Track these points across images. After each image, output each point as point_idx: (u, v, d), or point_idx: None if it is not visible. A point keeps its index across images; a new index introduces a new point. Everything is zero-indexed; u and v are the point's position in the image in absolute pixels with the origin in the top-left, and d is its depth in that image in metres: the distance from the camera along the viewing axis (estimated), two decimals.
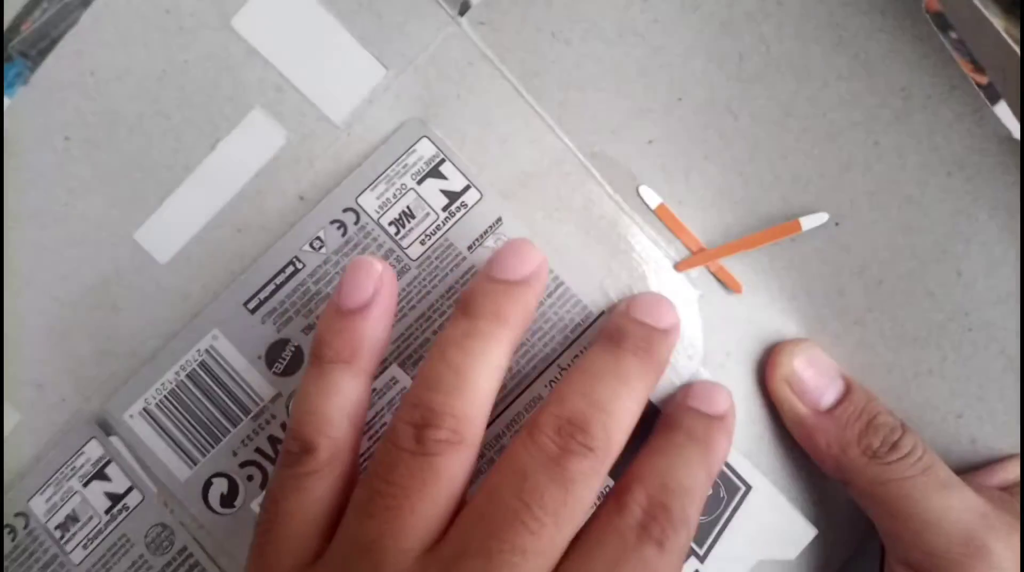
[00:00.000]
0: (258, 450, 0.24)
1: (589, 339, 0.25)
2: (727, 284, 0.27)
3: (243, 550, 0.24)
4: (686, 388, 0.25)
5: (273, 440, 0.24)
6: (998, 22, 0.22)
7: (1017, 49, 0.21)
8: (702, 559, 0.25)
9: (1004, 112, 0.25)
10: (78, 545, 0.24)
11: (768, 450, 0.27)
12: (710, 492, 0.23)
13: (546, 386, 0.25)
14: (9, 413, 0.26)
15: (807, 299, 0.27)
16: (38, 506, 0.25)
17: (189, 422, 0.24)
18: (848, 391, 0.26)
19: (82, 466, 0.25)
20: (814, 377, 0.26)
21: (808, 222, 0.26)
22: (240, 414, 0.24)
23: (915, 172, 0.25)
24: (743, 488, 0.26)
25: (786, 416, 0.26)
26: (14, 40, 0.24)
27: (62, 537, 0.25)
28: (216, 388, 0.24)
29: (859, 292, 0.27)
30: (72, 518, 0.25)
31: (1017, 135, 0.25)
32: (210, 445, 0.24)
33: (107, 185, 0.26)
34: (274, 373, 0.25)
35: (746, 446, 0.26)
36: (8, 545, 0.25)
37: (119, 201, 0.26)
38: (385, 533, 0.20)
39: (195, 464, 0.24)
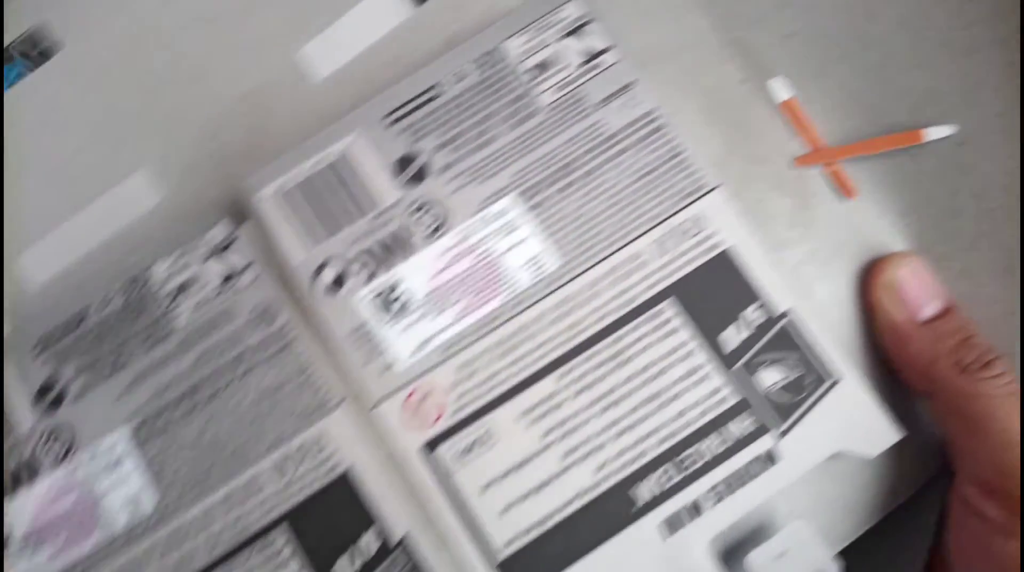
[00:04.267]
0: (370, 247, 0.26)
1: (696, 210, 0.26)
2: (841, 188, 0.27)
3: (336, 334, 0.25)
4: None
5: (382, 243, 0.26)
6: None
7: None
8: (781, 435, 0.25)
9: None
10: (186, 310, 0.26)
11: (859, 353, 0.27)
12: None
13: (653, 243, 0.26)
14: (150, 194, 0.28)
15: (918, 216, 0.27)
16: (158, 271, 0.26)
17: (315, 210, 0.26)
18: (948, 309, 0.26)
19: (205, 245, 0.27)
20: (917, 288, 0.26)
21: (931, 133, 0.26)
22: (362, 211, 0.26)
23: None
24: (831, 377, 0.25)
25: (880, 322, 0.26)
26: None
27: (173, 303, 0.26)
28: (347, 183, 0.26)
29: (973, 217, 0.27)
30: (185, 285, 0.26)
31: None
32: (330, 234, 0.26)
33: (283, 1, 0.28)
34: (399, 182, 0.26)
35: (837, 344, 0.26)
36: (121, 301, 0.26)
37: (290, 19, 0.28)
38: None
39: (313, 248, 0.26)
